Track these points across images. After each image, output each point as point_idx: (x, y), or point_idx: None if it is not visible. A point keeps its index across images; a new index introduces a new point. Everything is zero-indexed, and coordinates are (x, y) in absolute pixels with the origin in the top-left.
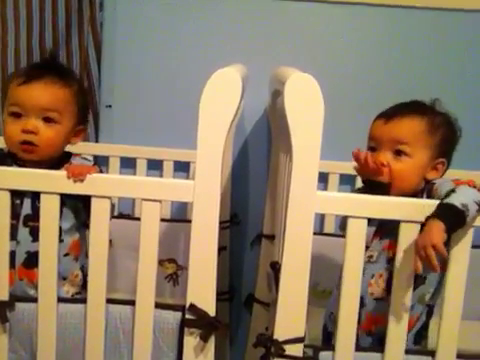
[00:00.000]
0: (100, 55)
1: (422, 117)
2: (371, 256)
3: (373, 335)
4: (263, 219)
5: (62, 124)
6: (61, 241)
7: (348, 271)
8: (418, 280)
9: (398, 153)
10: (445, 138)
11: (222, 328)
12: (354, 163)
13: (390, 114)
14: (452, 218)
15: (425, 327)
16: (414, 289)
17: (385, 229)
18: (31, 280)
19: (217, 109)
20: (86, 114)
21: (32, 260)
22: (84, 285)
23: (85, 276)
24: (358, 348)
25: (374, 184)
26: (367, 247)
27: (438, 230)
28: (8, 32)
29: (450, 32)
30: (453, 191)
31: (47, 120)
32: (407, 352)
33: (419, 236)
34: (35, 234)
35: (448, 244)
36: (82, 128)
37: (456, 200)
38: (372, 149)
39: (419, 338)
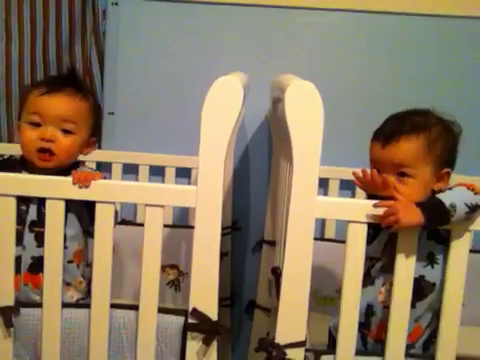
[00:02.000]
0: (103, 63)
1: (418, 135)
2: (384, 265)
3: (383, 342)
4: (264, 225)
5: (78, 135)
6: (65, 248)
7: (348, 276)
8: (427, 288)
9: (401, 175)
10: (445, 148)
11: (224, 332)
12: (355, 169)
13: (386, 136)
14: (434, 213)
15: (435, 334)
16: (424, 297)
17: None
18: (36, 285)
19: (219, 116)
20: (98, 126)
21: (37, 265)
22: (89, 291)
23: (88, 283)
24: (358, 352)
25: (381, 198)
26: (379, 258)
27: (414, 214)
28: (12, 40)
29: (452, 39)
30: (450, 189)
31: (64, 130)
32: (407, 356)
33: (400, 202)
34: (40, 239)
35: (446, 247)
36: (94, 140)
37: (447, 198)
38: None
39: (428, 345)
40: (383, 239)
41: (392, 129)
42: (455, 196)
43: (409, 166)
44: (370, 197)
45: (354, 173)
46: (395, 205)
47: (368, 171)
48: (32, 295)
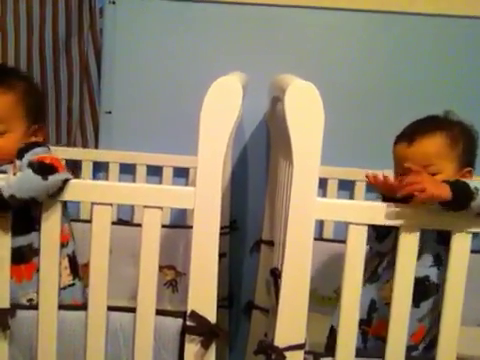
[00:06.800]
0: (100, 61)
1: (441, 133)
2: (389, 262)
3: (383, 339)
4: (262, 225)
5: (12, 132)
6: (37, 230)
7: (348, 277)
8: (430, 289)
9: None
10: (467, 147)
11: (223, 335)
12: (354, 169)
13: (410, 136)
14: (460, 190)
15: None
16: (426, 299)
17: None
18: (19, 278)
19: (218, 117)
20: (40, 112)
21: (16, 256)
22: (74, 272)
23: (73, 263)
24: (358, 354)
25: (398, 200)
26: (386, 254)
27: (441, 187)
28: (8, 39)
29: (451, 38)
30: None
31: None
32: (408, 357)
33: (426, 176)
34: (14, 229)
35: (447, 246)
36: (38, 127)
37: (471, 182)
38: (402, 174)
39: (430, 347)
40: (393, 236)
41: (416, 128)
42: (477, 182)
43: (434, 163)
44: (386, 200)
45: (367, 176)
46: (421, 177)
47: (380, 176)
48: (16, 290)
